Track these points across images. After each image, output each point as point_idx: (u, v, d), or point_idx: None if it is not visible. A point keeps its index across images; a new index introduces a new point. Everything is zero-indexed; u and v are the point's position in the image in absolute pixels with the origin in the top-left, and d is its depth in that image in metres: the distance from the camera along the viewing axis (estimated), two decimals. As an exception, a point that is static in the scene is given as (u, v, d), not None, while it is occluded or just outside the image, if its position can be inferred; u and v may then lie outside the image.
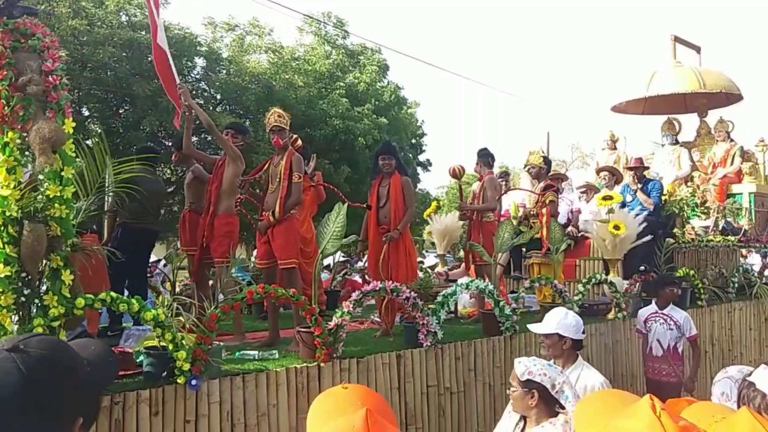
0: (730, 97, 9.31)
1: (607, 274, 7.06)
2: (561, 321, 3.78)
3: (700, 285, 7.32)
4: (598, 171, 8.09)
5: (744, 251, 11.59)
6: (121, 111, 17.89)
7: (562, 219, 8.11)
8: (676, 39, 9.36)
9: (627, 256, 7.14)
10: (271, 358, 4.36)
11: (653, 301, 5.85)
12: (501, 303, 5.28)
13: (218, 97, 19.40)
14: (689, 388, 5.65)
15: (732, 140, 9.33)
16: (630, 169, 7.34)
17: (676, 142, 9.49)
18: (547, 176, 7.01)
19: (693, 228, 7.48)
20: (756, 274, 8.58)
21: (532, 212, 6.73)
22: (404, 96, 24.24)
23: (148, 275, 6.40)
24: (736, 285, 7.95)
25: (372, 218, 5.57)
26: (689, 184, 8.96)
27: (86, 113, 17.37)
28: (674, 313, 5.70)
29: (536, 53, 80.00)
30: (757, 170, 8.96)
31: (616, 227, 6.24)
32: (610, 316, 6.41)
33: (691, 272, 7.17)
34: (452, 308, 5.10)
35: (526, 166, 8.70)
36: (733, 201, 8.50)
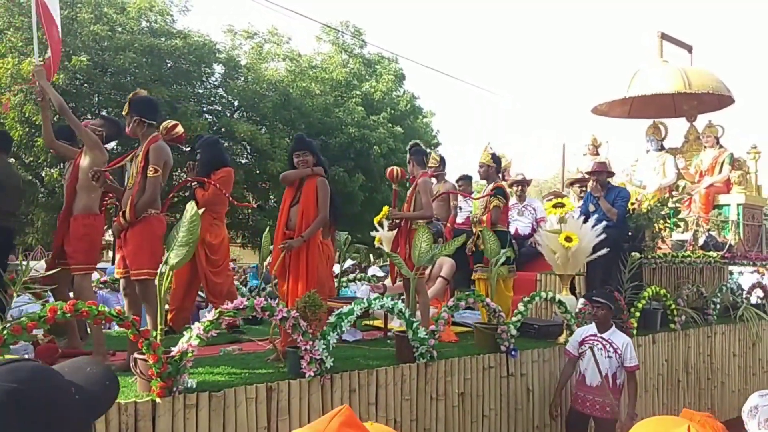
0: (721, 100, 8.21)
1: (573, 290, 6.06)
2: None
3: (673, 306, 6.24)
4: (570, 185, 7.06)
5: (738, 269, 10.44)
6: None
7: (526, 229, 7.11)
8: (664, 36, 8.29)
9: (589, 271, 6.12)
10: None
11: (593, 323, 4.85)
12: (415, 325, 4.31)
13: (236, 103, 19.12)
14: (626, 429, 4.62)
15: (721, 146, 8.22)
16: (591, 174, 6.29)
17: (662, 148, 8.43)
18: (499, 177, 5.98)
19: (663, 241, 6.41)
20: (743, 295, 7.42)
21: (475, 219, 5.72)
22: (420, 105, 23.72)
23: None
24: (718, 306, 6.84)
25: (282, 218, 4.64)
26: (674, 193, 7.88)
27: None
28: (615, 338, 4.73)
29: (549, 62, 78.45)
30: (747, 180, 7.83)
31: (568, 239, 5.22)
32: (561, 339, 5.39)
33: (662, 291, 6.10)
34: (345, 330, 4.13)
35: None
36: (718, 213, 7.39)
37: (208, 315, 3.62)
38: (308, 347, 3.77)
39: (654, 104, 8.57)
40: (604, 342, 4.74)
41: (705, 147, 8.26)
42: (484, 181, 5.93)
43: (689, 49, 8.65)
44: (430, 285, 6.01)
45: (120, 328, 3.31)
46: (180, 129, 4.13)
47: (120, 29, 16.33)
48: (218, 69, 18.59)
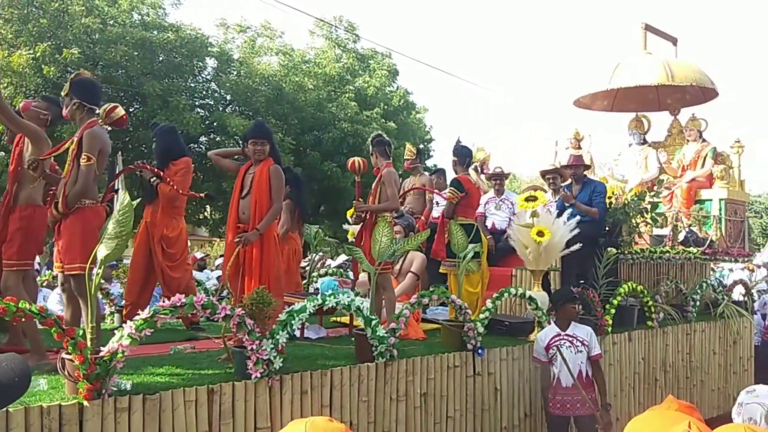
0: (705, 92, 7.92)
1: (547, 286, 5.80)
2: None
3: (650, 302, 5.98)
4: (543, 174, 6.77)
5: (729, 266, 10.17)
6: (131, 109, 17.37)
7: (503, 223, 6.82)
8: (648, 28, 7.99)
9: (564, 266, 5.86)
10: (37, 389, 3.17)
11: (552, 322, 4.61)
12: (374, 322, 4.04)
13: (228, 97, 18.83)
14: (605, 422, 4.38)
15: (704, 140, 7.93)
16: (567, 167, 6.01)
17: (644, 142, 8.15)
18: (470, 170, 5.69)
19: (640, 236, 6.13)
20: (724, 292, 7.14)
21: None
22: (413, 101, 23.36)
23: None
24: (698, 303, 6.56)
25: (233, 211, 4.37)
26: (655, 187, 7.60)
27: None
28: (578, 332, 4.56)
29: (540, 55, 78.05)
30: (730, 174, 7.54)
31: (540, 233, 4.95)
32: (532, 336, 5.12)
33: (639, 288, 5.83)
34: (296, 329, 3.86)
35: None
36: (700, 208, 7.11)
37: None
38: (255, 347, 3.50)
39: (637, 97, 8.28)
40: (570, 338, 4.53)
41: (688, 141, 7.97)
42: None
43: (674, 41, 8.34)
44: (400, 280, 5.76)
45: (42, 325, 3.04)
46: (120, 111, 3.82)
47: (111, 22, 16.05)
48: (211, 63, 18.25)
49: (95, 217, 3.59)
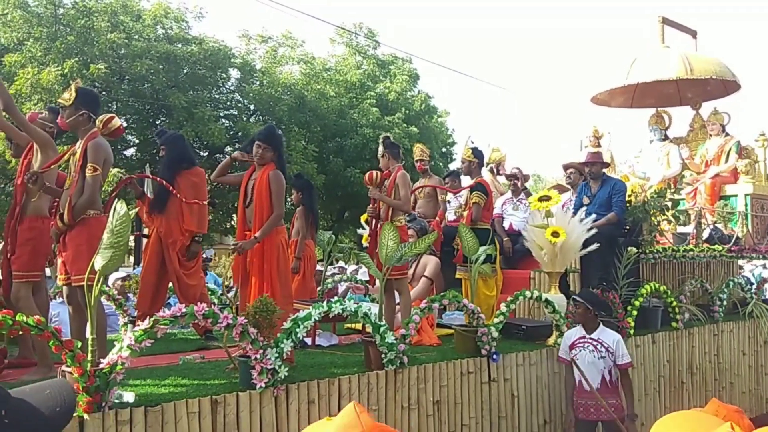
0: (727, 85, 7.60)
1: (566, 288, 5.59)
2: None
3: (675, 303, 5.72)
4: (566, 167, 6.55)
5: (761, 263, 9.77)
6: (158, 122, 17.75)
7: (521, 224, 6.62)
8: (665, 21, 7.71)
9: (584, 268, 5.64)
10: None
11: (580, 324, 4.40)
12: (382, 329, 3.90)
13: (251, 107, 19.00)
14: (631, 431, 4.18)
15: (727, 134, 7.61)
16: (585, 165, 5.78)
17: (666, 138, 7.86)
18: (480, 172, 5.50)
19: (662, 234, 5.87)
20: (752, 290, 6.81)
21: (457, 214, 5.29)
22: (434, 105, 23.29)
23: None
24: (725, 303, 6.27)
25: (239, 220, 4.29)
26: (678, 184, 7.32)
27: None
28: (604, 337, 4.32)
29: (562, 55, 77.04)
30: (755, 169, 7.21)
31: (555, 234, 4.75)
32: (550, 341, 4.93)
33: (662, 288, 5.58)
34: (301, 337, 3.73)
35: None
36: (725, 204, 6.80)
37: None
38: (258, 356, 3.40)
39: (656, 93, 8.00)
40: (594, 342, 4.32)
41: (710, 135, 7.66)
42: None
43: (693, 34, 8.05)
44: (414, 285, 5.61)
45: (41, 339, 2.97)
46: (117, 122, 3.75)
47: (136, 36, 16.29)
48: (234, 74, 18.48)
49: (100, 228, 3.51)
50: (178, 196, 4.57)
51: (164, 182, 4.52)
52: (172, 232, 4.91)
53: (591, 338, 4.36)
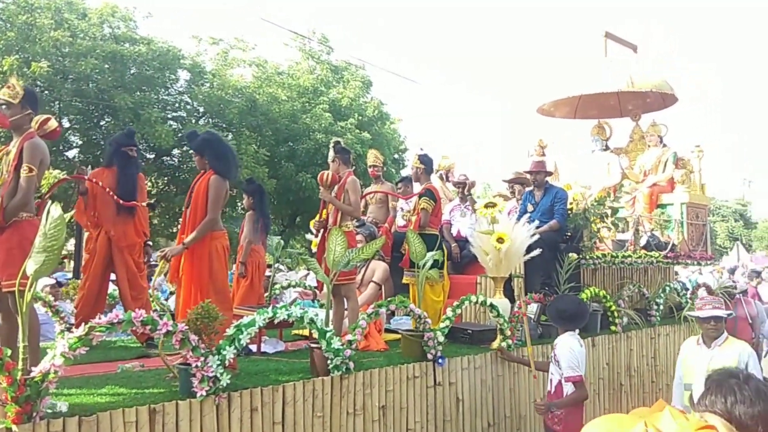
0: (666, 99, 7.91)
1: (510, 293, 5.68)
2: None
3: (614, 307, 5.89)
4: (509, 182, 6.68)
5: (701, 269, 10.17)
6: (102, 123, 17.14)
7: (469, 231, 6.70)
8: (608, 35, 7.98)
9: (527, 273, 5.75)
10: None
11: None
12: (328, 334, 3.88)
13: (201, 110, 18.55)
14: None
15: (665, 145, 7.92)
16: (530, 173, 5.92)
17: (607, 148, 8.10)
18: (428, 179, 5.56)
19: (600, 241, 6.05)
20: (687, 295, 7.08)
21: (405, 218, 5.32)
22: (387, 112, 23.27)
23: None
24: (661, 307, 6.49)
25: (181, 224, 4.19)
26: (618, 193, 7.56)
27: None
28: (558, 344, 4.21)
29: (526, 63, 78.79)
30: (690, 179, 7.52)
31: (500, 239, 4.83)
32: (495, 344, 4.99)
33: (602, 293, 5.74)
34: (244, 343, 3.67)
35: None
36: (661, 212, 7.06)
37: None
38: (199, 364, 3.32)
39: (599, 104, 8.26)
40: (553, 348, 4.31)
41: (649, 146, 7.96)
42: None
43: (634, 48, 8.36)
44: (362, 290, 5.60)
45: None
46: (54, 123, 3.62)
47: (81, 35, 15.71)
48: (183, 75, 17.98)
49: (33, 230, 3.37)
50: (113, 196, 4.41)
51: (107, 189, 4.37)
52: (127, 236, 4.78)
53: (555, 343, 4.33)
